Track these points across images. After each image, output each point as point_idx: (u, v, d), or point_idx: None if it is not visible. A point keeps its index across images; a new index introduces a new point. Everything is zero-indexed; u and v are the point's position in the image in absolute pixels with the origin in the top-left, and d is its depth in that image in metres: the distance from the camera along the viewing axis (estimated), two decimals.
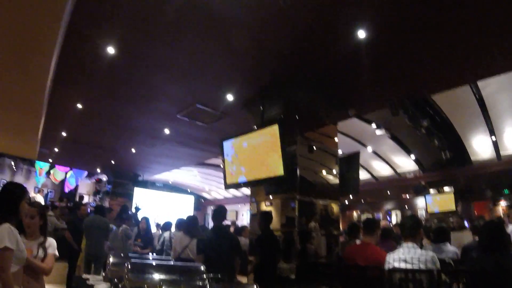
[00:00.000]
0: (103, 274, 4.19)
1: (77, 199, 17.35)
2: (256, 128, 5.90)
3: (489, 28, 4.35)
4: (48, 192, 19.49)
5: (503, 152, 11.76)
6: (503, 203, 15.50)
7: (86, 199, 18.74)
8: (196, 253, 5.33)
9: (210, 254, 4.83)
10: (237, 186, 6.22)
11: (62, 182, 19.11)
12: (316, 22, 4.32)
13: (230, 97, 6.44)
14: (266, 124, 5.64)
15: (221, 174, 6.75)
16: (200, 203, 24.63)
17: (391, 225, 12.97)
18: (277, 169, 5.29)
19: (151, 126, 8.69)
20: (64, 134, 9.91)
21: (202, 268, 3.10)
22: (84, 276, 4.95)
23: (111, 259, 3.50)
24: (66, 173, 18.47)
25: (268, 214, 5.63)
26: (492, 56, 5.01)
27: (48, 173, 18.31)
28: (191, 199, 21.93)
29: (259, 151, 5.62)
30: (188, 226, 6.33)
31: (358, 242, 5.33)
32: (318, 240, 5.94)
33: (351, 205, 18.93)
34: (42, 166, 17.75)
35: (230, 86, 6.12)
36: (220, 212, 5.27)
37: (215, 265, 4.50)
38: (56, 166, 17.49)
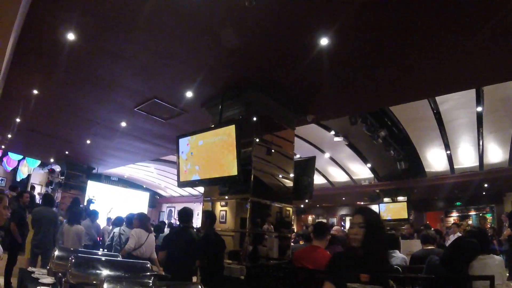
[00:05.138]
0: (48, 267, 4.08)
1: (29, 189, 16.78)
2: (213, 127, 5.87)
3: (447, 47, 4.52)
4: None
5: (456, 166, 12.22)
6: (454, 215, 16.20)
7: (38, 189, 18.17)
8: (160, 249, 5.60)
9: (174, 255, 5.13)
10: (190, 184, 6.19)
11: (15, 170, 18.46)
12: (279, 25, 4.33)
13: (189, 94, 6.37)
14: (224, 124, 5.62)
15: None
16: (155, 200, 24.37)
17: (345, 230, 13.21)
18: (231, 169, 5.27)
19: (108, 118, 8.47)
20: (18, 120, 9.55)
21: (148, 265, 3.07)
22: (30, 268, 4.78)
23: (56, 252, 3.41)
24: (18, 162, 17.83)
25: (212, 214, 5.60)
26: (451, 73, 5.24)
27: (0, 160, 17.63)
28: (146, 196, 21.65)
29: (214, 150, 5.59)
30: (144, 222, 6.45)
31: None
32: (271, 242, 5.97)
33: (307, 209, 19.21)
34: None
35: (190, 83, 6.04)
36: (187, 213, 5.56)
37: (176, 265, 4.93)
38: (9, 153, 16.86)
